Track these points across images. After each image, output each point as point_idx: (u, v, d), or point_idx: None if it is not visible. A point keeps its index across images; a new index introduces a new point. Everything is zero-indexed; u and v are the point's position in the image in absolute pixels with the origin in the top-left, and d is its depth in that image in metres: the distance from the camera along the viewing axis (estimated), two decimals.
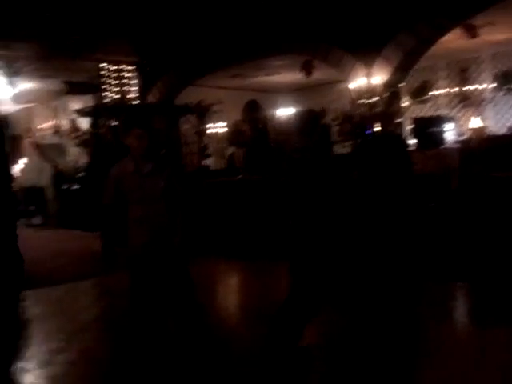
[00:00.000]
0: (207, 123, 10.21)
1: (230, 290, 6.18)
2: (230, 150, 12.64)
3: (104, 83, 9.35)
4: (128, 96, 9.62)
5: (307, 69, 9.96)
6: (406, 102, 12.03)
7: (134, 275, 3.39)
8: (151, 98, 10.14)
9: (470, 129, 11.07)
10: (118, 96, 9.35)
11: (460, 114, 11.84)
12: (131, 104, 9.40)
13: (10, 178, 6.74)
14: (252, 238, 7.64)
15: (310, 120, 4.34)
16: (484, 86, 11.51)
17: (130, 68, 9.71)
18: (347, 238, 4.25)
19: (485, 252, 5.39)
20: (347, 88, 8.75)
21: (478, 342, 3.68)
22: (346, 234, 4.23)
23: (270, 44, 9.10)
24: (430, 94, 12.23)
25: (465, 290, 5.08)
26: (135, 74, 9.78)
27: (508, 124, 11.18)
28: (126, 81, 9.61)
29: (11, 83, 9.36)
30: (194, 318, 3.51)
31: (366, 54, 8.16)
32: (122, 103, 9.15)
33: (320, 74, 10.46)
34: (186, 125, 9.31)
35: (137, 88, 9.74)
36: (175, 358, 3.51)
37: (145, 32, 8.62)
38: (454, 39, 8.95)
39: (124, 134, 3.41)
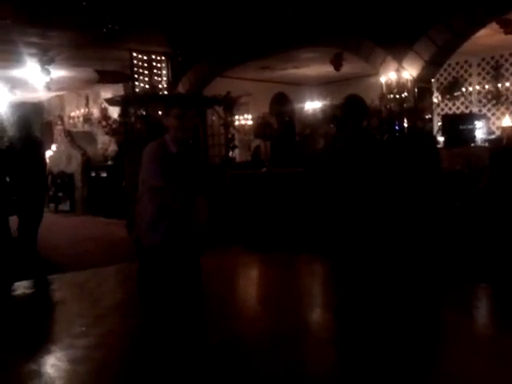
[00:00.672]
0: (234, 115, 10.24)
1: (251, 282, 6.23)
2: (256, 142, 12.67)
3: (135, 73, 9.46)
4: (158, 86, 9.71)
5: (337, 62, 9.87)
6: (437, 99, 11.84)
7: (157, 261, 3.32)
8: (181, 89, 10.23)
9: (501, 127, 10.84)
10: (148, 86, 9.44)
11: (491, 112, 11.58)
12: (161, 94, 9.49)
13: (43, 163, 6.93)
14: (275, 230, 7.67)
15: (360, 105, 4.34)
16: None
17: (160, 58, 9.80)
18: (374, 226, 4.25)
19: (510, 252, 5.30)
20: (376, 82, 8.64)
21: (499, 343, 3.64)
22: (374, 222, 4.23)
23: (300, 35, 9.05)
24: (461, 90, 11.99)
25: (488, 291, 5.01)
26: (166, 64, 9.87)
27: None
28: (156, 71, 9.70)
29: (44, 71, 9.55)
30: (194, 310, 3.38)
31: (397, 48, 8.03)
32: (152, 93, 9.25)
33: (349, 67, 10.36)
34: (213, 116, 9.36)
35: (166, 78, 9.83)
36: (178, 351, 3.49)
37: (176, 22, 8.68)
38: (489, 34, 8.73)
39: (164, 114, 3.29)
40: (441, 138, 9.70)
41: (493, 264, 5.29)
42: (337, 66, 9.96)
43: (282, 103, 13.98)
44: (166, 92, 9.60)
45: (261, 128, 11.98)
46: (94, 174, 12.39)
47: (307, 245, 6.93)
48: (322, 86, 14.08)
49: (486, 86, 11.59)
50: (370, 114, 9.35)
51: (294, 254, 6.91)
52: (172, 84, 9.98)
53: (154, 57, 9.63)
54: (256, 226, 7.97)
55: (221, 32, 9.22)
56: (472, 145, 9.15)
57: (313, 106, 13.83)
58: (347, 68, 10.29)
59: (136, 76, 9.38)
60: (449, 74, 12.15)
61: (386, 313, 4.17)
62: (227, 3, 8.09)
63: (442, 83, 12.20)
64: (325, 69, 11.20)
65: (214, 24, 8.93)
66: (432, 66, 8.11)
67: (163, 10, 8.09)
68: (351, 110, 4.37)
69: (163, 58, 9.78)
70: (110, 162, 12.02)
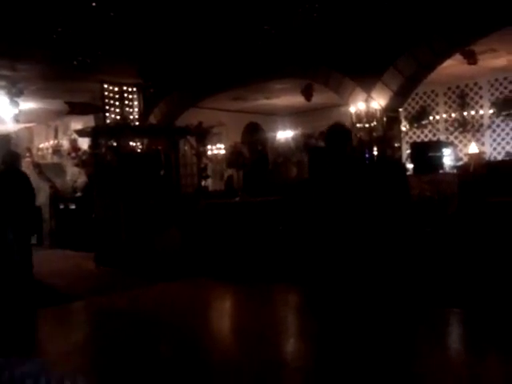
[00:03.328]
0: (207, 145, 10.26)
1: (223, 313, 6.11)
2: (229, 171, 12.69)
3: (106, 104, 9.43)
4: (130, 117, 9.69)
5: (307, 93, 10.04)
6: (405, 127, 12.12)
7: None
8: (152, 120, 10.23)
9: (468, 154, 11.12)
10: (120, 117, 9.41)
11: (458, 140, 11.91)
12: (132, 125, 9.47)
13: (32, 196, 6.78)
14: (249, 260, 7.60)
15: (344, 134, 4.41)
16: (482, 112, 11.60)
17: (132, 89, 9.81)
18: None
19: (481, 278, 5.35)
20: (346, 112, 8.81)
21: (471, 368, 3.63)
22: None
23: (271, 67, 9.21)
24: (429, 118, 12.33)
25: (460, 316, 5.03)
26: (137, 95, 9.88)
27: (506, 149, 11.24)
28: (127, 102, 9.70)
29: (13, 103, 9.43)
30: None
31: (366, 79, 8.24)
32: (124, 124, 9.22)
33: (320, 97, 10.55)
34: (186, 146, 9.35)
35: (138, 109, 9.83)
36: None
37: (148, 54, 8.73)
38: (453, 65, 9.05)
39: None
40: (410, 166, 9.88)
41: (464, 289, 5.32)
42: (307, 96, 10.13)
43: (254, 133, 14.11)
44: (137, 123, 9.58)
45: (233, 157, 12.02)
46: (62, 206, 12.15)
47: (281, 274, 6.87)
48: (293, 115, 14.30)
49: (453, 115, 11.94)
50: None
51: (268, 283, 6.83)
52: (143, 115, 9.98)
53: (125, 88, 9.65)
54: (230, 255, 7.89)
55: (192, 63, 9.32)
56: (440, 171, 9.33)
57: (285, 135, 13.99)
58: (318, 98, 10.47)
59: (107, 107, 9.35)
60: (416, 103, 12.50)
61: (359, 341, 4.13)
62: (199, 35, 8.18)
63: (410, 112, 12.52)
64: (296, 99, 11.38)
65: (185, 56, 9.01)
66: (400, 96, 8.33)
67: (134, 43, 8.13)
68: (336, 138, 4.44)
69: (135, 89, 9.81)
70: (79, 194, 11.83)
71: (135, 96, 9.83)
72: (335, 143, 4.34)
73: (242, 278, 7.12)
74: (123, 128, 8.73)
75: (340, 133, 4.43)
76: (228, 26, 7.95)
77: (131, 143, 9.10)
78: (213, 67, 9.40)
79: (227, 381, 3.65)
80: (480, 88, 11.67)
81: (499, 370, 3.56)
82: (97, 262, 8.40)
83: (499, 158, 11.18)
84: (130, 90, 9.78)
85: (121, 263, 8.12)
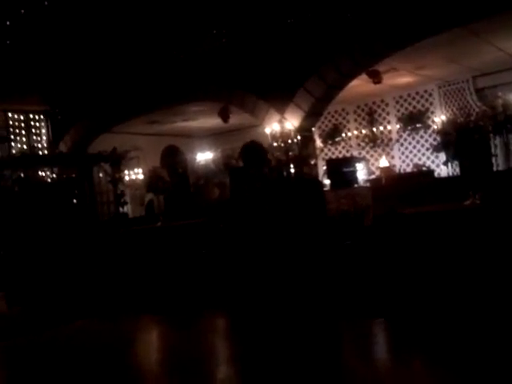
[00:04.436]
0: (123, 170, 9.97)
1: (147, 346, 5.87)
2: (149, 196, 12.40)
3: (11, 133, 8.91)
4: (38, 146, 9.21)
5: (224, 115, 10.11)
6: (319, 144, 12.54)
7: None
8: (63, 147, 9.79)
9: (380, 168, 11.69)
10: (26, 146, 8.93)
11: (370, 154, 12.50)
12: (40, 154, 9.00)
13: None
14: (172, 287, 7.40)
15: (258, 152, 4.47)
16: (390, 127, 12.28)
17: (39, 117, 9.35)
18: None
19: (399, 287, 5.57)
20: (263, 132, 8.96)
21: (394, 377, 3.72)
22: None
23: (185, 91, 9.18)
24: (341, 135, 12.84)
25: (381, 326, 5.17)
26: (45, 123, 9.43)
27: (413, 161, 11.94)
28: (34, 130, 9.22)
29: None
30: None
31: (279, 101, 8.44)
32: (31, 153, 8.74)
33: (237, 118, 10.66)
34: (100, 173, 9.04)
35: (46, 137, 9.38)
36: None
37: (53, 79, 8.39)
38: (360, 84, 9.51)
39: None
40: (327, 181, 10.19)
41: (385, 299, 5.50)
42: (224, 118, 10.19)
43: (173, 155, 13.95)
44: (46, 152, 9.12)
45: (153, 181, 11.75)
46: None
47: (206, 299, 6.75)
48: (212, 136, 14.33)
49: (363, 131, 12.53)
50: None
51: (192, 311, 6.67)
52: (53, 143, 9.54)
53: (31, 116, 9.18)
54: (152, 284, 7.64)
55: (102, 89, 9.07)
56: (355, 185, 9.71)
57: (205, 156, 13.95)
58: (235, 119, 10.58)
59: (12, 137, 8.83)
60: (329, 121, 12.99)
61: (287, 357, 4.13)
62: (107, 61, 8.00)
63: (324, 130, 12.98)
64: (213, 121, 11.42)
65: (94, 81, 8.76)
66: (312, 115, 8.61)
67: (38, 68, 7.79)
68: (251, 156, 4.51)
69: (42, 116, 9.36)
70: None
71: (43, 124, 9.38)
72: (251, 161, 4.40)
73: (167, 307, 6.90)
74: (30, 158, 8.28)
75: (254, 150, 4.50)
76: (138, 50, 7.84)
77: (40, 173, 8.64)
78: (125, 92, 9.21)
79: None
80: (387, 105, 12.37)
81: (422, 378, 3.68)
82: (8, 303, 7.81)
83: (408, 169, 11.85)
84: (36, 117, 9.32)
85: (36, 302, 7.61)
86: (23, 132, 8.99)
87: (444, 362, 3.79)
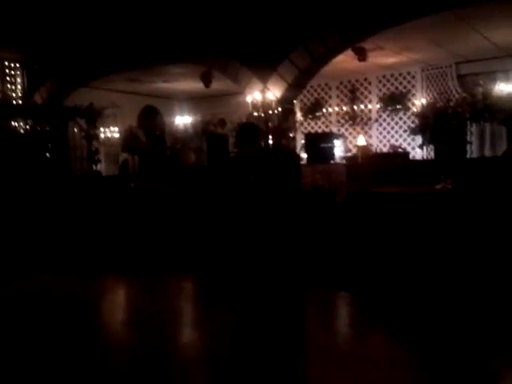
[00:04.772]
0: (99, 127, 9.77)
1: (115, 305, 5.91)
2: (124, 155, 12.22)
3: None
4: (12, 95, 8.91)
5: (206, 79, 9.95)
6: (300, 118, 12.52)
7: None
8: (38, 99, 9.50)
9: (357, 146, 11.78)
10: (0, 95, 8.63)
11: (349, 132, 12.56)
12: (14, 103, 8.72)
13: None
14: (143, 249, 7.41)
15: (254, 132, 4.54)
16: (371, 106, 12.33)
17: (14, 65, 9.01)
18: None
19: (366, 263, 5.72)
20: (244, 100, 8.88)
21: (353, 349, 3.86)
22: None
23: (168, 51, 8.98)
24: (322, 111, 12.83)
25: (346, 299, 5.32)
26: (20, 71, 9.10)
27: (390, 142, 12.07)
28: (9, 78, 8.90)
29: None
30: None
31: (262, 70, 8.35)
32: (4, 102, 8.46)
33: (219, 84, 10.52)
34: (75, 128, 8.83)
35: (21, 87, 9.07)
36: None
37: (32, 29, 8.06)
38: (346, 60, 9.47)
39: None
40: (304, 155, 10.23)
41: (351, 273, 5.64)
42: (206, 82, 10.04)
43: (151, 116, 13.71)
44: (20, 102, 8.84)
45: (128, 141, 11.55)
46: None
47: (177, 263, 6.79)
48: (193, 100, 14.13)
49: (344, 108, 12.55)
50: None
51: (162, 274, 6.72)
52: (28, 93, 9.24)
53: (6, 63, 8.83)
54: (122, 244, 7.63)
55: (83, 40, 8.79)
56: (332, 162, 9.77)
57: (183, 120, 13.77)
58: (217, 85, 10.43)
59: None
60: (311, 95, 12.95)
61: (251, 324, 4.23)
62: (92, 12, 7.73)
63: (305, 104, 12.95)
64: (195, 84, 11.25)
65: (75, 31, 8.47)
66: (295, 88, 8.55)
67: (17, 17, 7.47)
68: (246, 135, 4.64)
69: (18, 65, 9.02)
70: None
71: (18, 72, 9.05)
72: (246, 140, 4.51)
73: (136, 268, 6.92)
74: (3, 106, 8.02)
75: (251, 130, 4.63)
76: (124, 4, 7.60)
77: (13, 123, 8.39)
78: (106, 46, 8.94)
79: (120, 371, 3.54)
80: (369, 83, 12.38)
81: (382, 352, 3.81)
82: None
83: (384, 150, 11.98)
84: (12, 65, 8.98)
85: (4, 255, 7.51)
86: None
87: (404, 338, 3.94)
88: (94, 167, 9.04)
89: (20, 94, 9.00)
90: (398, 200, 6.15)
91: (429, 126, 8.11)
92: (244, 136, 4.68)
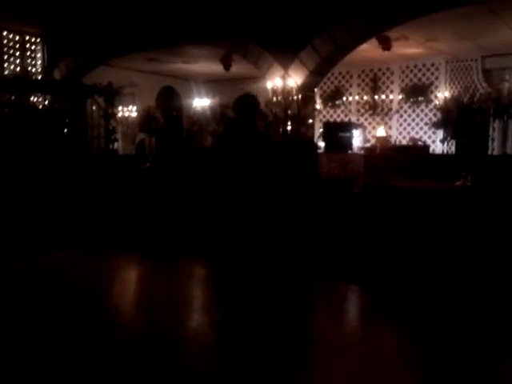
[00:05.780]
0: (117, 106, 9.74)
1: (127, 286, 5.93)
2: (141, 135, 12.23)
3: (4, 53, 8.57)
4: (31, 70, 8.90)
5: (226, 62, 9.84)
6: (319, 106, 12.35)
7: None
8: (57, 75, 9.48)
9: (376, 137, 11.61)
10: (20, 69, 8.61)
11: (368, 122, 12.37)
12: (34, 78, 8.70)
13: None
14: (157, 230, 7.42)
15: (253, 105, 4.42)
16: (392, 96, 12.11)
17: (35, 40, 8.98)
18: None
19: (379, 256, 5.64)
20: (264, 85, 8.77)
21: (361, 344, 3.81)
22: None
23: (189, 32, 8.88)
24: (342, 99, 12.65)
25: (357, 293, 5.26)
26: (41, 47, 9.07)
27: (410, 135, 11.87)
28: (29, 53, 8.88)
29: None
30: None
31: (284, 55, 8.21)
32: (24, 77, 8.45)
33: (239, 68, 10.39)
34: (93, 106, 8.80)
35: (41, 62, 9.05)
36: None
37: (53, 3, 8.01)
38: (369, 49, 9.28)
39: None
40: (322, 144, 10.11)
41: (364, 266, 5.57)
42: (226, 65, 9.93)
43: (169, 97, 13.66)
44: (39, 77, 8.83)
45: (146, 121, 11.55)
46: None
47: (189, 246, 6.78)
48: (211, 83, 14.01)
49: (365, 97, 12.35)
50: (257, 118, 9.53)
51: (175, 256, 6.72)
52: (47, 69, 9.22)
53: (27, 38, 8.80)
54: (137, 225, 7.64)
55: (104, 17, 8.71)
56: (349, 152, 9.65)
57: (202, 103, 13.69)
58: (237, 68, 10.31)
59: (5, 57, 8.50)
60: (332, 82, 12.75)
61: (259, 315, 4.19)
62: None
63: (325, 91, 12.76)
64: (214, 67, 11.13)
65: (97, 8, 8.40)
66: (316, 75, 8.41)
67: None
68: (244, 108, 4.46)
69: (38, 40, 8.99)
70: None
71: (38, 47, 9.02)
72: (243, 112, 4.36)
73: (148, 249, 6.93)
74: (23, 81, 8.01)
75: (248, 102, 4.46)
76: None
77: (32, 98, 8.40)
78: (127, 25, 8.86)
79: (130, 355, 3.54)
80: (392, 73, 12.14)
81: (390, 350, 3.76)
82: None
83: (404, 142, 11.80)
84: (32, 40, 8.95)
85: (18, 230, 7.57)
86: (17, 53, 8.66)
87: (415, 334, 3.88)
88: (111, 146, 9.02)
89: (40, 69, 8.98)
90: (416, 195, 6.04)
91: (452, 120, 7.96)
92: (241, 108, 4.53)
